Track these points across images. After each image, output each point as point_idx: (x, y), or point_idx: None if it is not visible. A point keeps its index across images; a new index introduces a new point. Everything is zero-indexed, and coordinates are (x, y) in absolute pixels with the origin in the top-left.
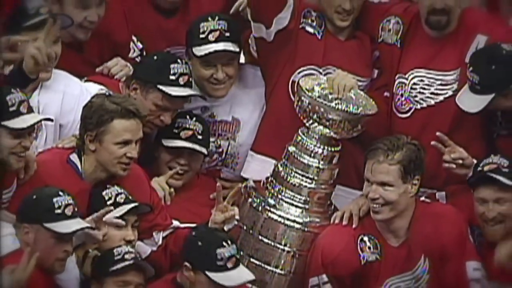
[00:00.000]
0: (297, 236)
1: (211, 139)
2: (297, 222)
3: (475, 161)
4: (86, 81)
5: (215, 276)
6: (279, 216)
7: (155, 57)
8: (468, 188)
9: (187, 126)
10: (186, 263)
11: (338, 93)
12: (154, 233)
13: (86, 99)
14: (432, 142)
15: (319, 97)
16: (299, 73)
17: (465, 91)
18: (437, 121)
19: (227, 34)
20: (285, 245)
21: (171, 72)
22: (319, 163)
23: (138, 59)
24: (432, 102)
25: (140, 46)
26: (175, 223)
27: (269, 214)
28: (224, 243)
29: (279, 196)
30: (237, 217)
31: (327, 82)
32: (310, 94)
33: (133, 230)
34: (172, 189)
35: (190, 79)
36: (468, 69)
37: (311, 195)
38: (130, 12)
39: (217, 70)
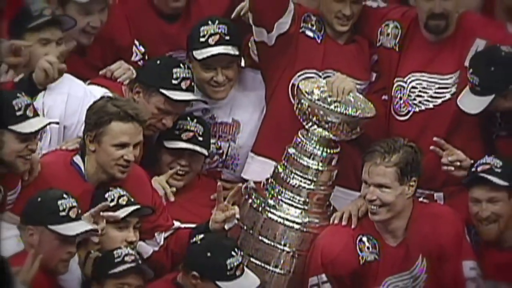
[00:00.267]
0: (297, 237)
1: (212, 141)
2: (297, 223)
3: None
4: (89, 83)
5: (225, 285)
6: (279, 216)
7: (158, 61)
8: (465, 189)
9: (188, 127)
10: (195, 273)
11: (337, 96)
12: (156, 234)
13: (90, 101)
14: (431, 147)
15: (318, 100)
16: (299, 76)
17: (466, 92)
18: (436, 123)
19: (227, 37)
20: (284, 245)
21: (174, 76)
22: (318, 164)
23: (140, 63)
24: (431, 105)
25: (142, 49)
26: (177, 223)
27: (269, 214)
28: (233, 253)
29: (279, 197)
30: (237, 216)
31: (326, 85)
32: (309, 97)
33: (134, 232)
34: (173, 188)
35: (192, 83)
36: (468, 71)
37: (311, 196)
38: (133, 17)
39: (217, 73)
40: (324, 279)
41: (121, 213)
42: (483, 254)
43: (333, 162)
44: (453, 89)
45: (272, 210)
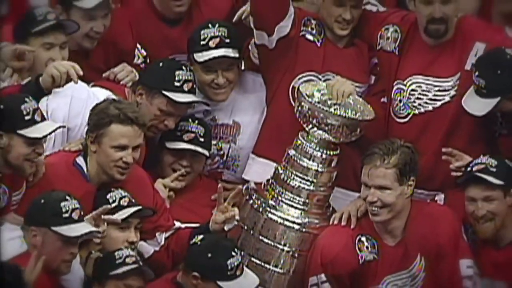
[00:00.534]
0: (296, 237)
1: (213, 142)
2: (296, 223)
3: None
4: (93, 86)
5: (226, 285)
6: (279, 217)
7: (160, 64)
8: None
9: (190, 129)
10: (195, 273)
11: (337, 99)
12: (157, 234)
13: (93, 103)
14: (443, 157)
15: (318, 102)
16: (299, 79)
17: (471, 94)
18: (435, 126)
19: (227, 40)
20: (284, 245)
21: (176, 78)
22: (318, 166)
23: (142, 66)
24: (430, 107)
25: (144, 53)
26: (177, 224)
27: (269, 215)
28: (233, 253)
29: (279, 198)
30: (237, 217)
31: (326, 88)
32: (310, 99)
33: (135, 232)
34: (171, 193)
35: (194, 85)
36: (474, 73)
37: (310, 197)
38: (135, 20)
39: (217, 75)
40: (323, 279)
41: (122, 214)
42: (480, 253)
43: (333, 164)
44: (453, 92)
45: (272, 211)
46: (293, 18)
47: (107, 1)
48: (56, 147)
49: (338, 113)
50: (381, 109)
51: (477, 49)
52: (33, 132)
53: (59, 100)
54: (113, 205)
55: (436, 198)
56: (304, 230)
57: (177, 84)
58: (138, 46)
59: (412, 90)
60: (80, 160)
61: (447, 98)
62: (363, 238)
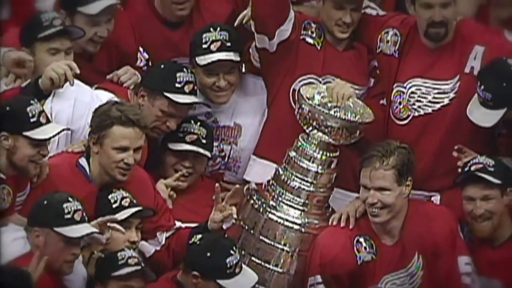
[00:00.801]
0: (296, 237)
1: (215, 144)
2: (296, 223)
3: None
4: (96, 88)
5: (226, 283)
6: (279, 217)
7: (162, 66)
8: (458, 189)
9: (192, 130)
10: (195, 272)
11: (337, 101)
12: (158, 234)
13: (96, 106)
14: (454, 153)
15: (319, 105)
16: (299, 82)
17: (476, 106)
18: (434, 128)
19: (228, 44)
20: (284, 245)
21: (177, 80)
22: (318, 167)
23: (144, 68)
24: (430, 110)
25: (146, 56)
26: (178, 224)
27: (270, 215)
28: (232, 252)
29: (279, 199)
30: (234, 216)
31: (326, 91)
32: (310, 102)
33: (136, 232)
34: (172, 192)
35: (195, 87)
36: (479, 87)
37: (310, 198)
38: (138, 24)
39: (219, 78)
40: (319, 280)
41: (123, 214)
42: (476, 252)
43: (333, 165)
44: (452, 95)
45: (272, 211)
46: (293, 22)
47: (111, 7)
48: (59, 149)
49: (338, 115)
50: (380, 112)
51: (476, 52)
52: (38, 134)
53: (63, 103)
54: (115, 205)
55: (432, 199)
56: (303, 230)
57: (178, 85)
58: (141, 49)
59: (412, 92)
60: (82, 161)
61: (446, 101)
62: (361, 239)
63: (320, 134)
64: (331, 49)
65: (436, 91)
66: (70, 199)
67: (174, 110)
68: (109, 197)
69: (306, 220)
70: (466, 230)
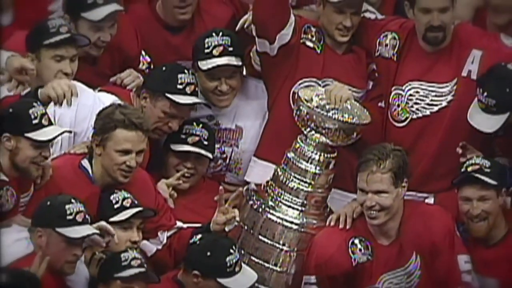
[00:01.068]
0: (295, 236)
1: (216, 146)
2: (295, 223)
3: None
4: (99, 91)
5: (226, 281)
6: (278, 217)
7: (163, 68)
8: (453, 191)
9: (194, 132)
10: (196, 272)
11: (335, 103)
12: (159, 233)
13: (99, 109)
14: (458, 149)
15: (317, 107)
16: (299, 85)
17: (477, 112)
18: (432, 130)
19: (230, 49)
20: (283, 244)
21: (179, 81)
22: (316, 168)
23: (146, 71)
24: (428, 112)
25: (148, 59)
26: (179, 223)
27: (269, 215)
28: (231, 250)
29: (278, 199)
30: (237, 218)
31: (325, 93)
32: (308, 104)
33: (138, 232)
34: (173, 192)
35: (196, 88)
36: (482, 94)
37: (308, 198)
38: (140, 28)
39: (221, 82)
40: (312, 281)
41: (124, 215)
42: (470, 251)
43: (330, 166)
44: (450, 97)
45: (271, 211)
46: (293, 26)
47: (114, 13)
48: (63, 151)
49: (335, 117)
50: (378, 114)
51: (474, 56)
52: (40, 135)
53: (66, 106)
54: (116, 206)
55: (426, 201)
56: (302, 230)
57: (179, 86)
58: (143, 52)
59: (410, 95)
60: (85, 162)
61: (444, 103)
62: (356, 241)
63: (318, 135)
64: (330, 52)
65: (434, 93)
66: (72, 200)
67: (176, 111)
68: (111, 197)
69: (305, 220)
70: (461, 230)
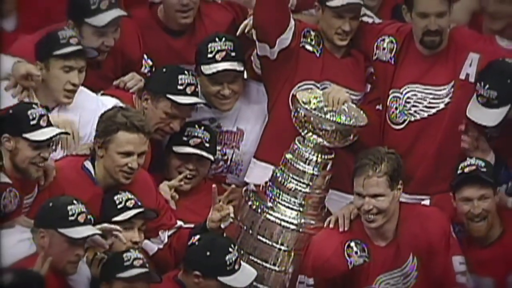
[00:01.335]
0: (293, 236)
1: (217, 148)
2: (293, 224)
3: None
4: (102, 94)
5: (227, 279)
6: (276, 217)
7: (164, 70)
8: (447, 193)
9: (196, 134)
10: (197, 272)
11: (333, 105)
12: (160, 232)
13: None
14: (461, 126)
15: (314, 109)
16: (298, 87)
17: (477, 107)
18: (430, 132)
19: (233, 54)
20: (281, 244)
21: (179, 82)
22: (313, 169)
23: (148, 74)
24: (425, 114)
25: (150, 62)
26: (179, 223)
27: (267, 215)
28: (230, 249)
29: (276, 199)
30: (232, 215)
31: (322, 95)
32: (306, 106)
33: (139, 233)
34: (174, 193)
35: (197, 89)
36: (483, 87)
37: (306, 199)
38: (142, 32)
39: (223, 87)
40: (311, 283)
41: (126, 215)
42: (466, 252)
43: (328, 167)
44: (447, 99)
45: (270, 212)
46: (293, 30)
47: (118, 18)
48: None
49: (332, 119)
50: (376, 116)
51: (471, 59)
52: (37, 136)
53: (69, 111)
54: (119, 206)
55: (422, 202)
56: (300, 230)
57: (180, 87)
58: (144, 56)
59: (408, 98)
60: (88, 164)
61: (441, 106)
62: (352, 244)
63: (315, 137)
64: (329, 56)
65: (431, 96)
66: (74, 201)
67: (177, 111)
68: (115, 198)
69: (303, 220)
70: (456, 230)
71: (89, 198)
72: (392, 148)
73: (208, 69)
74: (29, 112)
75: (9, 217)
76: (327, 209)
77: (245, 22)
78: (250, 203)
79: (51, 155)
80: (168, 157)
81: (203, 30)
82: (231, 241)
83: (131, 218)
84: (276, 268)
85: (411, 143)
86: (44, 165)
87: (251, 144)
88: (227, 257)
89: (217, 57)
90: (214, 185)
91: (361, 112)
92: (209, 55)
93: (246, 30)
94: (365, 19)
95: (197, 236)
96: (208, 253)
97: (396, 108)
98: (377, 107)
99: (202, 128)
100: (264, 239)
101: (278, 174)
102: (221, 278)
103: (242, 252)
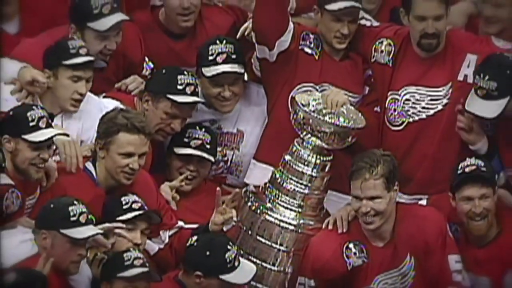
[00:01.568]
0: (292, 237)
1: (218, 149)
2: (291, 224)
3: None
4: (104, 97)
5: (228, 277)
6: (275, 218)
7: (163, 71)
8: (444, 194)
9: (197, 136)
10: (198, 272)
11: (331, 108)
12: (161, 232)
13: None
14: (458, 106)
15: (313, 111)
16: (297, 90)
17: (476, 100)
18: (429, 132)
19: (233, 56)
20: (280, 244)
21: (179, 82)
22: (312, 171)
23: (149, 77)
24: (424, 115)
25: (151, 65)
26: (180, 223)
27: (266, 216)
28: (229, 247)
29: (276, 200)
30: (234, 218)
31: (321, 98)
32: (305, 108)
33: (142, 236)
34: (175, 194)
35: (196, 89)
36: (483, 78)
37: (305, 200)
38: (143, 35)
39: (224, 89)
40: (312, 284)
41: (129, 215)
42: (463, 251)
43: (326, 169)
44: (445, 100)
45: (269, 212)
46: (292, 33)
47: (120, 22)
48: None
49: (330, 121)
50: (374, 118)
51: (469, 60)
52: (35, 137)
53: (72, 114)
54: (125, 207)
55: (419, 202)
56: (299, 231)
57: (179, 87)
58: (146, 59)
59: (406, 99)
60: (89, 165)
61: (439, 107)
62: (351, 245)
63: (314, 138)
64: (328, 58)
65: (429, 97)
66: (75, 202)
67: (178, 111)
68: (122, 199)
69: (301, 221)
70: (453, 229)
71: (90, 199)
72: (391, 150)
73: (209, 71)
74: (28, 114)
75: (11, 218)
76: (326, 210)
77: (245, 25)
78: (249, 204)
79: (53, 158)
80: (169, 158)
81: (204, 33)
82: (228, 239)
83: (135, 218)
84: (275, 268)
85: (409, 144)
86: (46, 166)
87: (251, 146)
88: (226, 255)
89: (218, 59)
90: (218, 189)
91: (360, 114)
92: (210, 57)
93: (246, 33)
94: (362, 22)
95: (195, 237)
96: (207, 253)
97: (395, 110)
98: (376, 109)
99: (203, 129)
100: (263, 240)
101: (277, 175)
102: (222, 276)
103: (241, 252)
